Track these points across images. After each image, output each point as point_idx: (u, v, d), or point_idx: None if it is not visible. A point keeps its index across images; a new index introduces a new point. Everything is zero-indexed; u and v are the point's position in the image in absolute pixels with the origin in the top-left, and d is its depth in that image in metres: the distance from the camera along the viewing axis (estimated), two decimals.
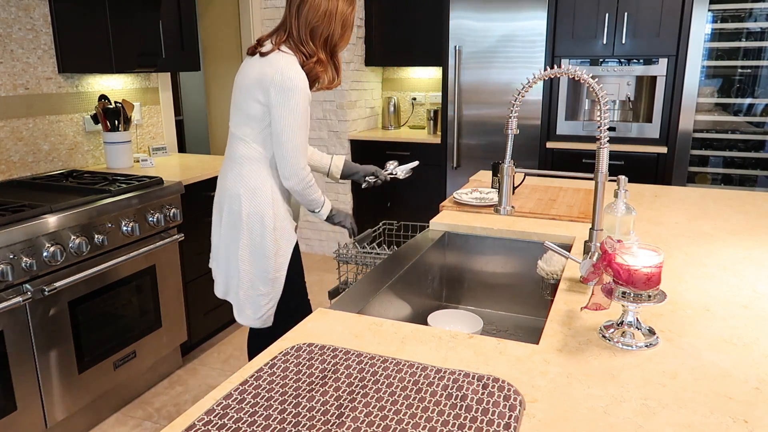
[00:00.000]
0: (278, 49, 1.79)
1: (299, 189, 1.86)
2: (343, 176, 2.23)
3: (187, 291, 2.80)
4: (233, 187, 1.88)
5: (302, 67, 1.79)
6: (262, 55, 1.80)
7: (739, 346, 1.07)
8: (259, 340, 2.09)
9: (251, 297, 1.91)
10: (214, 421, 0.85)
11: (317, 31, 1.80)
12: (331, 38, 1.83)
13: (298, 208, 2.09)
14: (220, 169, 2.02)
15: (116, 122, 2.89)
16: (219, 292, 2.02)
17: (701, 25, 3.36)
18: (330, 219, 2.02)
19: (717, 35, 3.44)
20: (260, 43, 1.86)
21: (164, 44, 2.91)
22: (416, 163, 2.31)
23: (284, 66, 1.75)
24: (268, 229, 1.87)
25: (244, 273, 1.90)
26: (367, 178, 2.20)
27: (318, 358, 1.02)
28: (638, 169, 3.59)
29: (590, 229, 1.44)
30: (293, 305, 2.01)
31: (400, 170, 2.24)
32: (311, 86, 1.84)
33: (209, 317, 2.99)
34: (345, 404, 0.89)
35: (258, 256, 1.88)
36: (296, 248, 1.99)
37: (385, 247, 2.15)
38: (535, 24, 3.62)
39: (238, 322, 1.99)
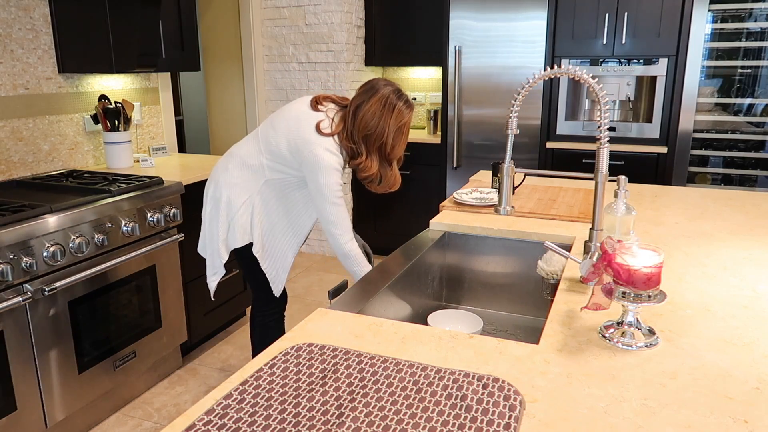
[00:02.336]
0: (333, 137, 1.89)
1: (341, 254, 1.93)
2: None
3: (187, 291, 2.80)
4: (215, 174, 2.07)
5: (349, 162, 1.94)
6: (318, 131, 1.87)
7: (739, 346, 1.07)
8: (253, 328, 2.25)
9: (208, 261, 2.13)
10: (214, 421, 0.85)
11: (371, 137, 1.88)
12: (385, 145, 1.90)
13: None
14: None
15: (116, 122, 2.89)
16: (199, 248, 2.20)
17: (701, 25, 3.36)
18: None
19: (717, 35, 3.44)
20: (322, 102, 1.95)
21: (164, 44, 2.91)
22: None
23: (322, 151, 1.85)
24: (221, 220, 2.02)
25: (207, 242, 2.11)
26: None
27: (318, 358, 1.02)
28: (638, 169, 3.59)
29: (590, 229, 1.44)
30: (269, 288, 2.15)
31: None
32: (367, 185, 1.99)
33: (209, 317, 2.99)
34: (345, 404, 0.89)
35: (213, 235, 2.06)
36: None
37: None
38: (535, 24, 3.62)
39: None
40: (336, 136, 1.90)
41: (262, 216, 2.03)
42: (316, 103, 1.95)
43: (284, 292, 2.21)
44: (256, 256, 2.03)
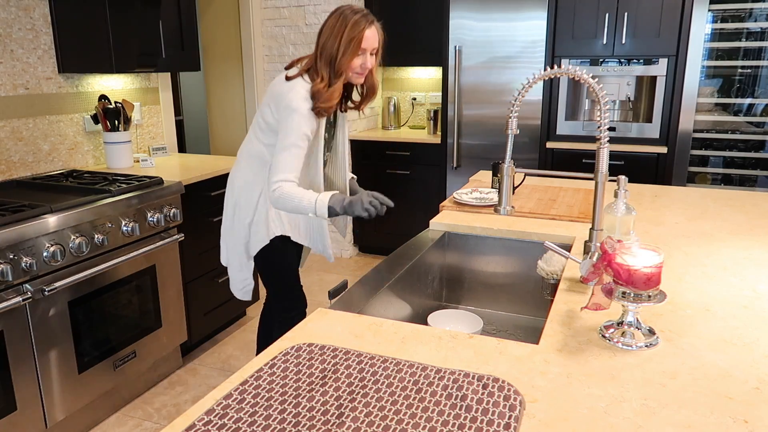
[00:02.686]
0: (301, 76, 1.86)
1: (273, 203, 1.86)
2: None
3: (187, 291, 2.80)
4: (230, 178, 2.09)
5: (310, 89, 1.85)
6: (287, 78, 1.87)
7: (739, 346, 1.07)
8: (267, 327, 2.27)
9: (234, 271, 2.14)
10: (214, 421, 0.85)
11: (324, 52, 1.84)
12: (334, 56, 1.83)
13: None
14: (231, 168, 2.18)
15: (116, 122, 2.89)
16: (222, 259, 2.20)
17: (701, 25, 3.36)
18: (337, 214, 1.82)
19: (717, 35, 3.44)
20: (293, 62, 1.95)
21: (164, 44, 2.91)
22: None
23: (293, 91, 1.83)
24: (242, 223, 2.03)
25: (231, 250, 2.12)
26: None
27: (318, 358, 1.02)
28: (638, 169, 3.59)
29: (590, 229, 1.44)
30: (290, 286, 2.17)
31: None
32: (316, 106, 1.84)
33: (209, 317, 2.99)
34: (345, 404, 0.89)
35: (237, 241, 2.08)
36: (283, 242, 2.06)
37: None
38: (535, 24, 3.62)
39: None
40: (304, 76, 1.85)
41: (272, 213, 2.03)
42: (289, 65, 1.94)
43: (302, 295, 2.21)
44: (299, 242, 2.05)
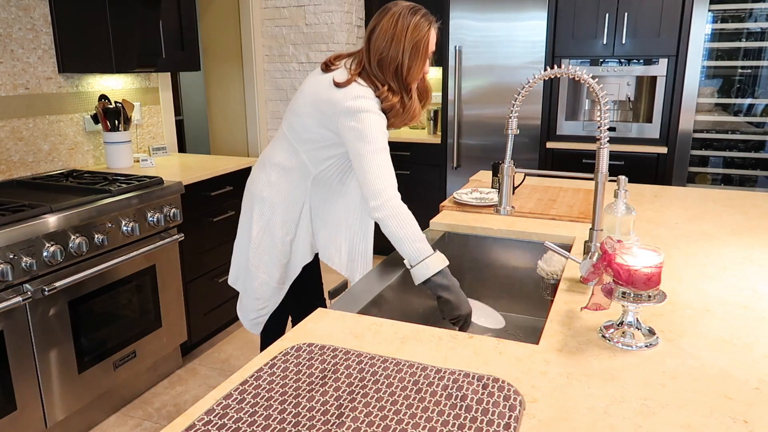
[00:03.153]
0: (354, 81, 1.62)
1: (383, 215, 1.54)
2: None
3: (187, 291, 2.80)
4: (257, 190, 1.81)
5: (377, 96, 1.64)
6: (337, 85, 1.61)
7: (739, 346, 1.07)
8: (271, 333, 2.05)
9: (249, 298, 1.90)
10: (214, 421, 0.85)
11: (385, 61, 1.62)
12: (400, 67, 1.62)
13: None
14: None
15: (116, 122, 2.89)
16: (231, 280, 1.98)
17: (701, 26, 3.36)
18: (434, 287, 1.48)
19: (717, 35, 3.44)
20: (334, 62, 1.70)
21: (164, 44, 2.91)
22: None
23: (356, 98, 1.59)
24: (282, 241, 1.81)
25: (253, 275, 1.85)
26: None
27: (318, 358, 1.02)
28: (638, 169, 3.59)
29: (590, 229, 1.44)
30: (318, 306, 1.96)
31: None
32: (388, 120, 1.67)
33: (209, 317, 2.99)
34: (345, 404, 0.89)
35: (269, 263, 1.83)
36: (313, 263, 1.91)
37: None
38: (535, 24, 3.62)
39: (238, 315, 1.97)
40: (357, 80, 1.62)
41: (319, 219, 1.83)
42: (326, 66, 1.70)
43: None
44: (335, 268, 1.84)
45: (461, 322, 1.50)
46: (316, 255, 1.93)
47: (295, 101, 1.74)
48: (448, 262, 1.51)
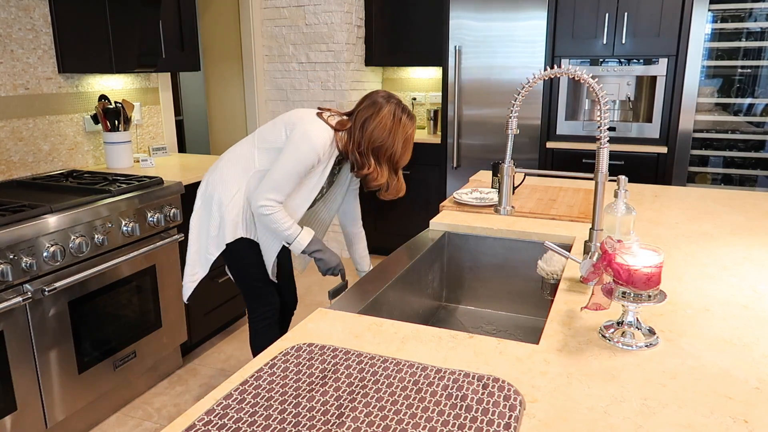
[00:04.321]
0: (330, 124, 1.95)
1: (256, 215, 1.96)
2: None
3: None
4: (208, 172, 2.11)
5: (356, 173, 1.99)
6: (319, 115, 1.97)
7: (739, 346, 1.07)
8: (253, 334, 2.21)
9: (186, 264, 2.13)
10: (214, 421, 0.85)
11: (382, 149, 1.95)
12: (394, 156, 1.98)
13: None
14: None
15: (116, 122, 2.89)
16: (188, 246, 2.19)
17: (701, 25, 3.36)
18: (310, 253, 2.00)
19: (717, 35, 3.44)
20: (328, 109, 2.03)
21: (164, 44, 2.91)
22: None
23: (317, 128, 1.92)
24: (213, 216, 2.04)
25: (190, 242, 2.12)
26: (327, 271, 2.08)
27: (318, 358, 1.02)
28: (638, 169, 3.59)
29: (590, 229, 1.44)
30: (259, 285, 2.14)
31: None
32: (366, 186, 2.04)
33: (209, 317, 2.99)
34: (345, 404, 0.89)
35: (201, 233, 2.08)
36: (247, 244, 2.07)
37: None
38: (535, 24, 3.62)
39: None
40: (340, 135, 1.96)
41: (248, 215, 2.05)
42: (320, 111, 2.02)
43: (274, 294, 2.16)
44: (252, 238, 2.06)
45: (336, 271, 2.03)
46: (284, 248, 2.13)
47: (280, 117, 2.04)
48: (313, 233, 1.99)
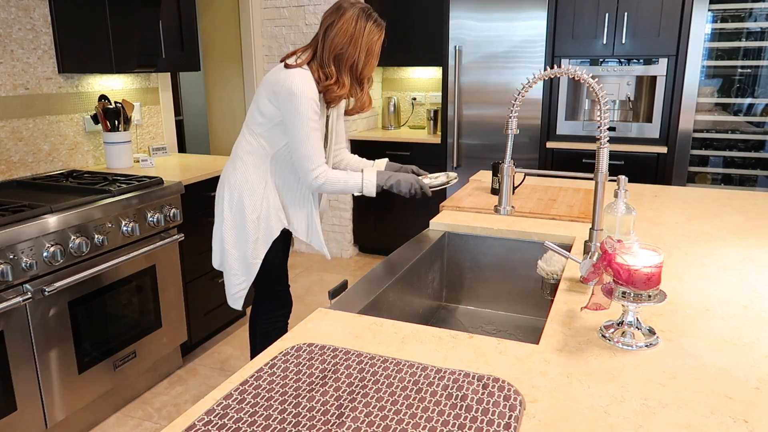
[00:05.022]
0: (300, 67, 1.86)
1: (314, 190, 1.96)
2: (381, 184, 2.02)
3: (187, 291, 2.80)
4: (225, 177, 2.04)
5: (317, 84, 1.86)
6: (287, 66, 1.87)
7: (739, 346, 1.07)
8: (254, 334, 2.22)
9: (229, 275, 2.07)
10: (214, 421, 0.85)
11: (342, 57, 1.86)
12: (356, 65, 1.88)
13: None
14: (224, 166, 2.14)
15: (116, 122, 2.89)
16: (215, 263, 2.14)
17: (701, 25, 3.36)
18: (386, 188, 1.94)
19: (717, 35, 3.44)
20: (290, 54, 1.94)
21: (164, 44, 2.91)
22: (450, 177, 2.07)
23: (294, 77, 1.83)
24: (249, 218, 1.98)
25: (228, 252, 2.04)
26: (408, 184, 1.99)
27: (318, 358, 1.02)
28: (638, 169, 3.59)
29: (590, 229, 1.44)
30: (280, 289, 2.15)
31: (437, 181, 2.07)
32: (329, 105, 1.94)
33: (209, 317, 2.99)
34: (345, 404, 0.89)
35: (240, 240, 2.02)
36: (283, 238, 2.07)
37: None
38: (535, 24, 3.62)
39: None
40: (306, 66, 1.86)
41: (284, 194, 2.03)
42: (282, 59, 1.95)
43: (289, 297, 2.19)
44: (299, 237, 2.05)
45: (415, 190, 1.96)
46: (284, 232, 2.09)
47: (255, 95, 1.97)
48: (374, 169, 1.94)
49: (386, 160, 2.18)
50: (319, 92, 1.89)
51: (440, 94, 4.51)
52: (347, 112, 2.05)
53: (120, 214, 2.32)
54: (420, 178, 2.01)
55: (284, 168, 2.01)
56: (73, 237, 2.12)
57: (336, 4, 1.89)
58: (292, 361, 1.01)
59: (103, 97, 2.91)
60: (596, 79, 1.53)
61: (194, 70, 3.13)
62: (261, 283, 2.12)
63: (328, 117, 2.03)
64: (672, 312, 1.21)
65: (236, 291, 2.07)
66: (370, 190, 1.92)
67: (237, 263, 2.04)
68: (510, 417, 0.85)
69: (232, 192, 2.00)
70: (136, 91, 3.23)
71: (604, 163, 1.38)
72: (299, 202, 2.07)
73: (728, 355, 1.04)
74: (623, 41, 3.52)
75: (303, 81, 1.82)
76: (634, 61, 3.56)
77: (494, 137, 3.88)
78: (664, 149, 3.53)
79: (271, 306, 2.15)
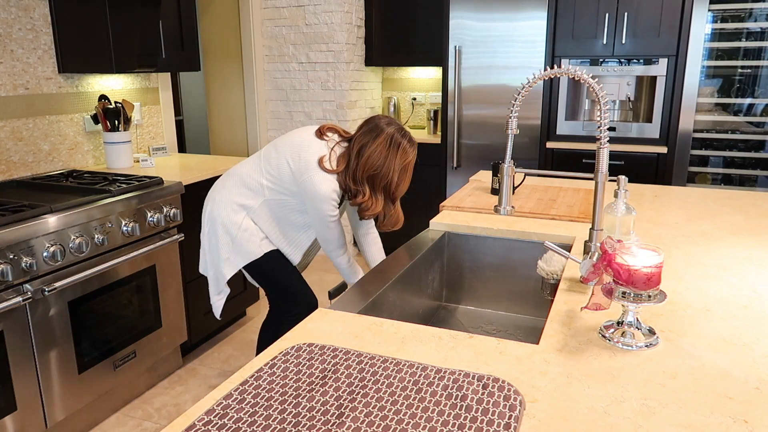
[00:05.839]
0: (334, 174, 1.90)
1: (335, 265, 2.08)
2: None
3: (187, 291, 2.80)
4: (214, 191, 2.08)
5: (351, 201, 1.95)
6: (320, 165, 1.89)
7: (739, 346, 1.07)
8: (268, 335, 2.24)
9: (211, 285, 2.14)
10: (214, 421, 0.85)
11: (377, 177, 1.90)
12: (389, 185, 1.93)
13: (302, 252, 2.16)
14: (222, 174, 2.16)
15: (116, 122, 2.89)
16: (200, 268, 2.19)
17: (701, 25, 3.36)
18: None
19: (717, 35, 3.44)
20: (326, 133, 1.97)
21: (164, 44, 2.91)
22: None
23: (323, 185, 1.88)
24: (222, 239, 2.02)
25: (207, 263, 2.11)
26: None
27: (318, 358, 1.02)
28: (638, 169, 3.59)
29: (590, 229, 1.44)
30: (298, 289, 2.13)
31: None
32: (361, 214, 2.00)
33: (209, 317, 2.99)
34: (345, 404, 0.89)
35: (214, 255, 2.07)
36: (272, 255, 2.07)
37: None
38: (535, 24, 3.62)
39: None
40: (336, 176, 1.92)
41: (261, 233, 2.05)
42: (320, 133, 1.96)
43: (314, 301, 2.16)
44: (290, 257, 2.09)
45: None
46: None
47: (283, 140, 1.97)
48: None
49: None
50: (351, 204, 1.98)
51: (440, 94, 4.51)
52: (379, 227, 2.11)
53: (120, 214, 2.32)
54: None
55: (269, 214, 2.03)
56: (73, 237, 2.12)
57: (371, 123, 1.91)
58: (292, 361, 1.01)
59: (103, 97, 2.91)
60: (596, 79, 1.53)
61: (194, 70, 3.13)
62: (277, 290, 2.12)
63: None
64: (672, 312, 1.21)
65: (215, 300, 2.14)
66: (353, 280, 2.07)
67: (213, 278, 2.11)
68: (510, 417, 0.85)
69: (212, 208, 2.05)
70: (136, 91, 3.23)
71: (604, 163, 1.38)
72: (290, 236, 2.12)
73: (728, 355, 1.04)
74: (623, 41, 3.52)
75: (329, 185, 1.88)
76: (634, 61, 3.57)
77: (494, 137, 3.88)
78: (664, 149, 3.53)
79: (289, 305, 2.13)
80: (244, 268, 2.06)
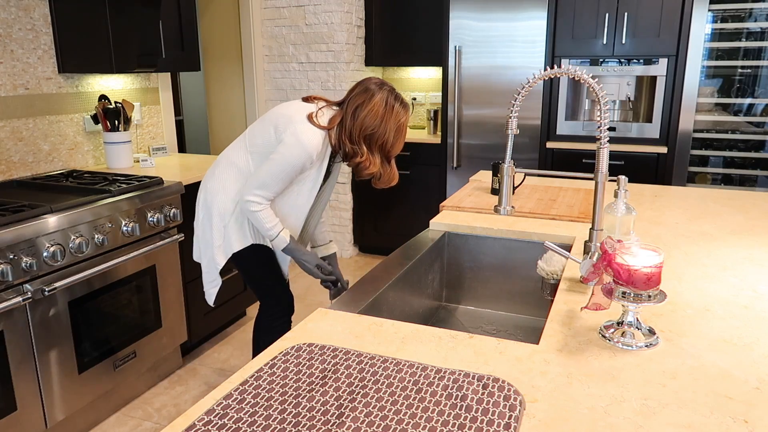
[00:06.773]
0: (326, 128, 1.92)
1: (243, 212, 1.96)
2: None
3: (187, 291, 2.79)
4: (205, 180, 2.09)
5: (348, 161, 1.96)
6: (310, 119, 1.90)
7: (739, 346, 1.07)
8: (258, 332, 2.22)
9: (203, 271, 2.15)
10: (214, 421, 0.85)
11: (374, 137, 1.93)
12: (386, 144, 1.96)
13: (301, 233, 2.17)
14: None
15: (116, 122, 2.89)
16: (194, 255, 2.19)
17: (701, 25, 3.36)
18: (289, 253, 2.01)
19: (717, 35, 3.44)
20: (312, 98, 2.00)
21: (164, 44, 2.91)
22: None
23: (308, 132, 1.88)
24: (216, 226, 2.02)
25: (201, 250, 2.12)
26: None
27: (318, 358, 1.02)
28: (638, 169, 3.59)
29: (590, 229, 1.44)
30: (276, 287, 2.15)
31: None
32: (357, 175, 1.99)
33: (209, 317, 2.99)
34: (345, 404, 0.89)
35: (207, 242, 2.07)
36: (257, 249, 2.07)
37: None
38: (535, 24, 3.62)
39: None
40: (330, 132, 1.93)
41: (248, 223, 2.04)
42: (307, 100, 2.00)
43: (291, 297, 2.20)
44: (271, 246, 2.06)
45: (321, 275, 2.07)
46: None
47: (269, 113, 2.00)
48: (287, 242, 1.97)
49: (334, 252, 2.29)
50: (348, 165, 1.99)
51: (440, 94, 4.51)
52: (375, 184, 2.07)
53: (120, 214, 2.32)
54: (322, 269, 2.08)
55: None
56: (73, 237, 2.12)
57: (362, 85, 1.96)
58: (292, 361, 1.01)
59: (103, 97, 2.91)
60: (596, 79, 1.53)
61: (194, 70, 3.13)
62: (255, 284, 2.14)
63: (331, 168, 2.09)
64: (672, 312, 1.21)
65: (208, 287, 2.15)
66: (278, 245, 1.98)
67: (206, 266, 2.11)
68: (510, 417, 0.85)
69: (206, 196, 2.05)
70: (136, 91, 3.23)
71: (604, 163, 1.38)
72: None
73: (728, 355, 1.04)
74: (623, 41, 3.52)
75: (314, 137, 1.88)
76: (634, 61, 3.57)
77: (494, 137, 3.88)
78: (664, 149, 3.53)
79: (270, 302, 2.16)
80: (234, 258, 2.07)
